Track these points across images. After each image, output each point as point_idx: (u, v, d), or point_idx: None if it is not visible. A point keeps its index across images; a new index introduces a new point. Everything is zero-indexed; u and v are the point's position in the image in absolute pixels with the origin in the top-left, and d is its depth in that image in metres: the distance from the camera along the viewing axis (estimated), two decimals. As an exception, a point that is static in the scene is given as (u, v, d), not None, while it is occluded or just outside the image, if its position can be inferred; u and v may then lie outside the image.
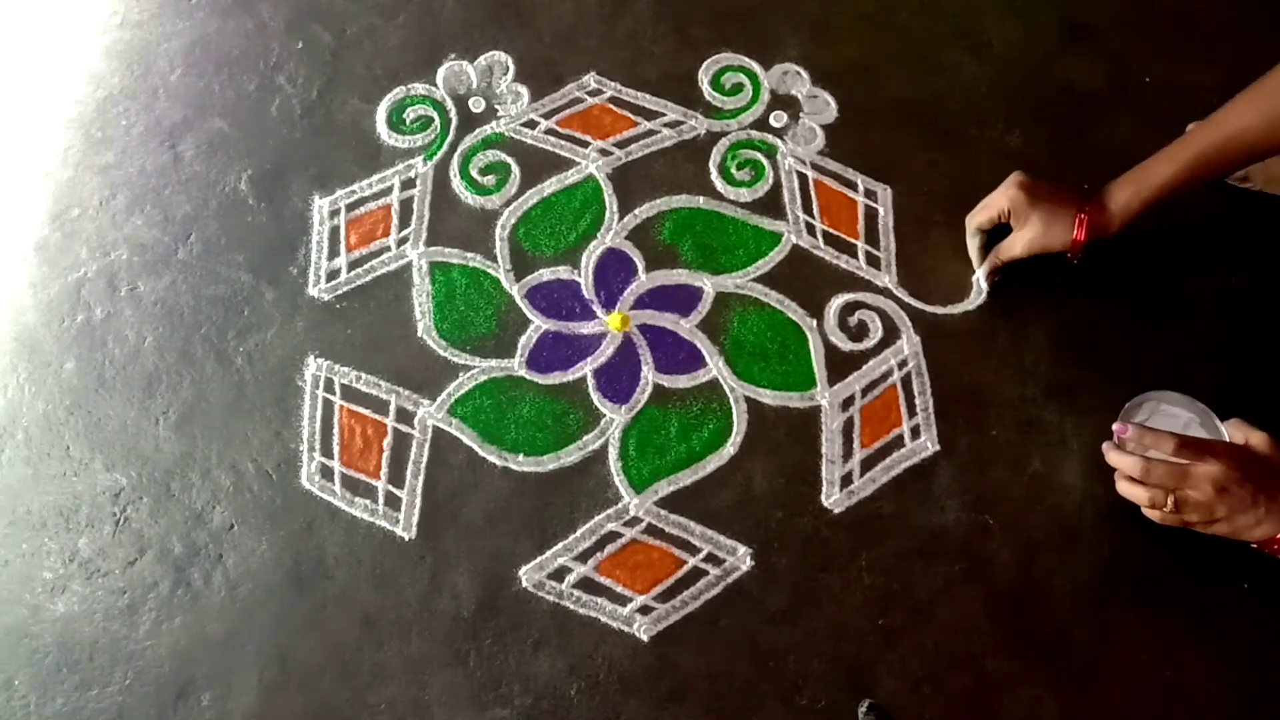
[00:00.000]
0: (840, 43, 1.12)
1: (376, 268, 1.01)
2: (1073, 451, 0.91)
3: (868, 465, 0.92)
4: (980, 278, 0.97)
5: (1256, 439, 0.80)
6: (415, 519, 0.90)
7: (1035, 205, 0.89)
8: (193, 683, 0.85)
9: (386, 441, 0.93)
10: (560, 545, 0.89)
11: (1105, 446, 0.85)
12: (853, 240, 1.02)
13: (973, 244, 0.97)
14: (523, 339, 0.98)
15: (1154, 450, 0.80)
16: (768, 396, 0.95)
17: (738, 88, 1.10)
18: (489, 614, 0.86)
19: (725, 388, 0.95)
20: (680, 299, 1.00)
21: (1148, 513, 0.81)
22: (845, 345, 0.97)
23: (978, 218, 0.95)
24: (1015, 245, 0.92)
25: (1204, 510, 0.77)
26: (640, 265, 1.01)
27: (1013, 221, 0.92)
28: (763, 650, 0.85)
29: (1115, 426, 0.84)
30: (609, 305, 1.00)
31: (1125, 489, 0.82)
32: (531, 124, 1.08)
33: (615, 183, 1.05)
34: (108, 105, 1.11)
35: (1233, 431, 0.83)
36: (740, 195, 1.05)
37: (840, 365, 0.96)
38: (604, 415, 0.94)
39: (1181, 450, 0.78)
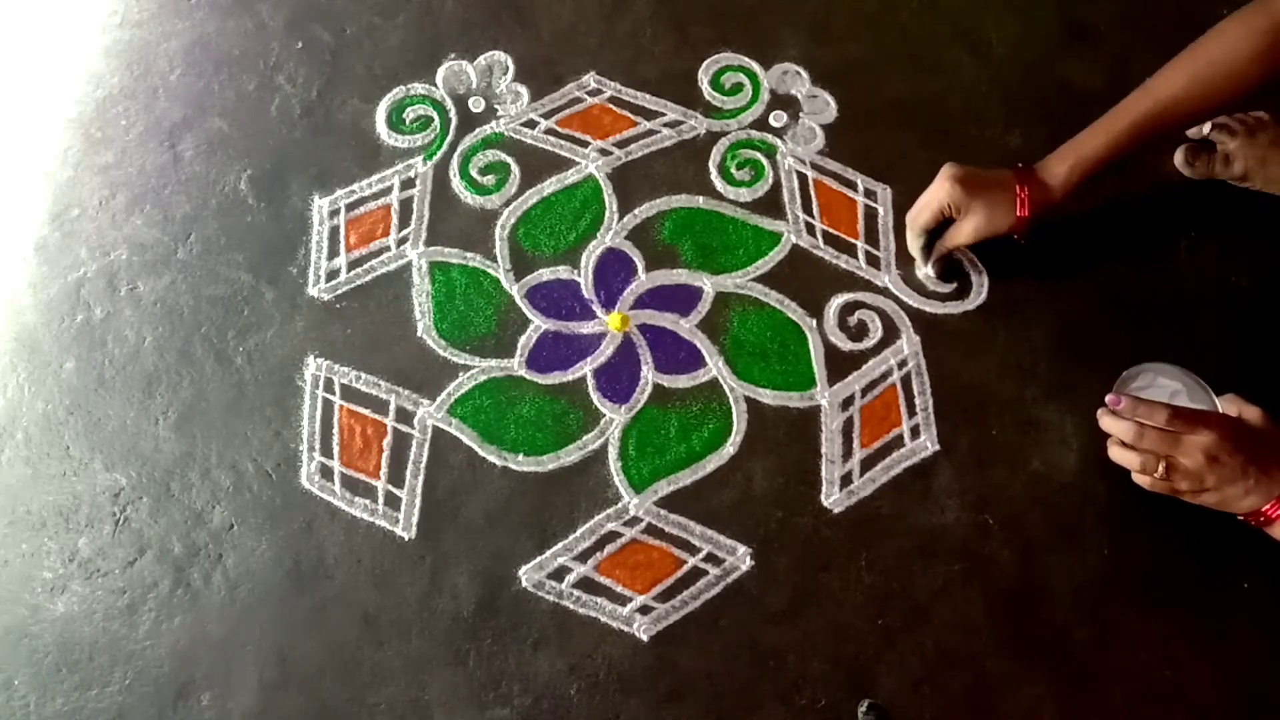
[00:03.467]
0: (840, 43, 1.12)
1: (376, 267, 1.01)
2: (1073, 451, 0.91)
3: (867, 465, 0.92)
4: (929, 272, 0.98)
5: (1250, 413, 0.81)
6: (415, 519, 0.90)
7: (975, 194, 0.90)
8: (193, 683, 0.85)
9: (386, 441, 0.93)
10: (560, 545, 0.89)
11: (1100, 413, 0.85)
12: (852, 240, 1.02)
13: (917, 244, 0.97)
14: (522, 339, 0.98)
15: (1147, 420, 0.80)
16: (767, 396, 0.95)
17: (737, 87, 1.10)
18: (489, 614, 0.86)
19: (725, 387, 0.95)
20: (680, 299, 1.00)
21: (1137, 478, 0.81)
22: (845, 345, 0.97)
23: (921, 219, 0.94)
24: (960, 234, 0.92)
25: (1194, 479, 0.77)
26: (640, 265, 1.01)
27: (954, 213, 0.92)
28: (763, 650, 0.85)
29: (1109, 398, 0.84)
30: (609, 305, 1.00)
31: (1117, 454, 0.83)
32: (531, 124, 1.08)
33: (615, 182, 1.05)
34: (107, 105, 1.11)
35: (1227, 406, 0.83)
36: (740, 195, 1.05)
37: (840, 365, 0.96)
38: (604, 415, 0.94)
39: (1174, 421, 0.78)
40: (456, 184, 1.05)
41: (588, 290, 1.00)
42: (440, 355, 0.97)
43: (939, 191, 0.91)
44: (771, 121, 1.08)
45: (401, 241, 1.02)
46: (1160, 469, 0.78)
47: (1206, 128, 1.01)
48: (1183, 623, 0.84)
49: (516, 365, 0.96)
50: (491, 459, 0.92)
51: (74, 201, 1.05)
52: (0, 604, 0.88)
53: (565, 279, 1.01)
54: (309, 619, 0.86)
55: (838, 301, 0.99)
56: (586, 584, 0.88)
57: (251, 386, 0.96)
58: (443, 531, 0.90)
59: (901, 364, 0.96)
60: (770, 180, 1.05)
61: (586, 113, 1.09)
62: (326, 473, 0.92)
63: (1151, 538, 0.86)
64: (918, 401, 0.94)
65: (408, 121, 1.09)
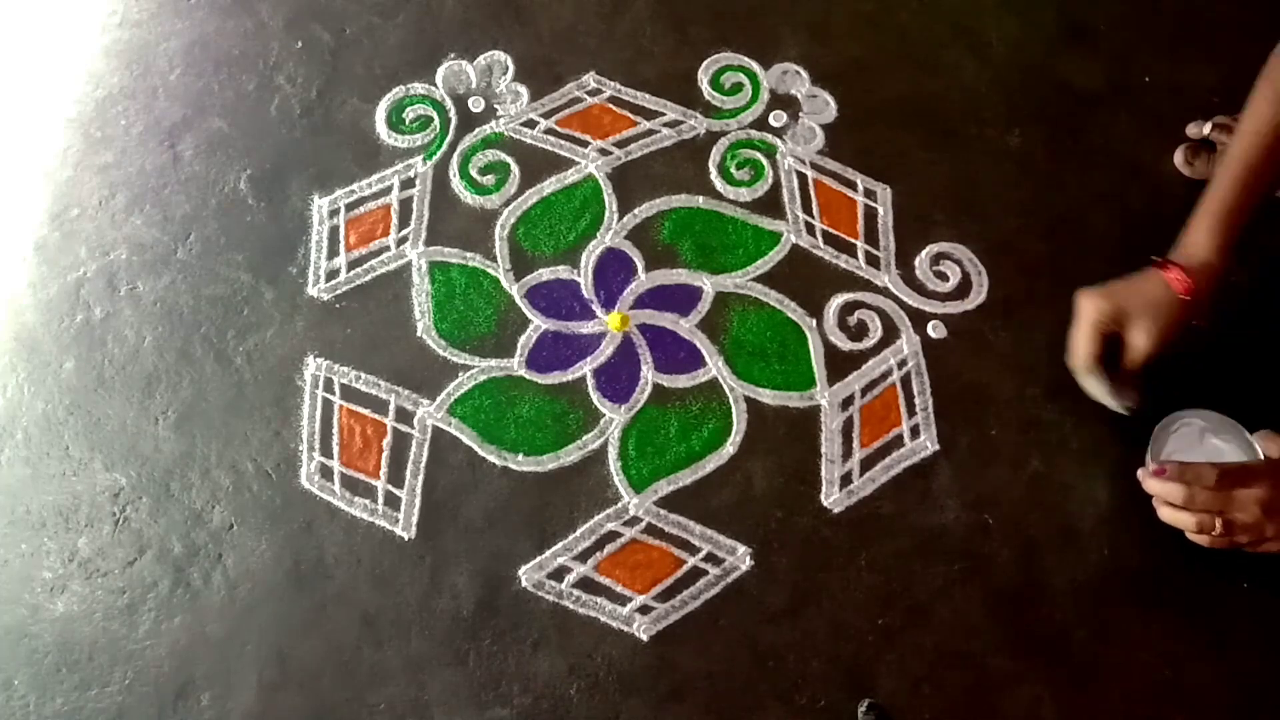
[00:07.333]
0: (840, 43, 1.12)
1: (376, 267, 1.01)
2: (1073, 451, 0.91)
3: (867, 465, 0.92)
4: (1129, 405, 0.87)
5: None
6: (415, 519, 0.90)
7: (1126, 300, 0.84)
8: (192, 682, 0.85)
9: (386, 441, 0.93)
10: (560, 545, 0.89)
11: (1141, 474, 0.82)
12: (852, 240, 1.02)
13: (1094, 384, 0.88)
14: (522, 339, 0.98)
15: (1195, 483, 0.78)
16: (767, 396, 0.95)
17: (737, 87, 1.10)
18: (489, 614, 0.86)
19: (725, 387, 0.95)
20: (680, 298, 1.00)
21: (1194, 537, 0.80)
22: (845, 345, 0.97)
23: (1084, 355, 0.86)
24: (1138, 346, 0.84)
25: (1253, 531, 0.76)
26: (640, 265, 1.01)
27: (1115, 326, 0.85)
28: (762, 650, 0.85)
29: (1153, 468, 0.81)
30: (608, 305, 1.00)
31: (1169, 516, 0.80)
32: (531, 124, 1.08)
33: (615, 182, 1.05)
34: (107, 105, 1.11)
35: (1265, 444, 0.82)
36: (740, 195, 1.05)
37: (840, 365, 0.96)
38: (603, 415, 0.94)
39: (1223, 480, 0.77)
40: (456, 184, 1.05)
41: (587, 290, 1.00)
42: (440, 355, 0.97)
43: (1086, 316, 0.85)
44: (771, 121, 1.08)
45: (401, 241, 1.02)
46: (1218, 526, 0.77)
47: (1207, 127, 1.01)
48: (1183, 623, 0.84)
49: (516, 365, 0.96)
50: (491, 459, 0.92)
51: (74, 201, 1.05)
52: (0, 604, 0.88)
53: (565, 279, 1.01)
54: (309, 619, 0.86)
55: (837, 301, 0.99)
56: (586, 584, 0.88)
57: (251, 386, 0.96)
58: (443, 531, 0.90)
59: (901, 364, 0.96)
60: (770, 180, 1.05)
61: (586, 112, 1.09)
62: (326, 473, 0.92)
63: (1151, 538, 0.86)
64: (917, 401, 0.94)
65: (407, 121, 1.09)
